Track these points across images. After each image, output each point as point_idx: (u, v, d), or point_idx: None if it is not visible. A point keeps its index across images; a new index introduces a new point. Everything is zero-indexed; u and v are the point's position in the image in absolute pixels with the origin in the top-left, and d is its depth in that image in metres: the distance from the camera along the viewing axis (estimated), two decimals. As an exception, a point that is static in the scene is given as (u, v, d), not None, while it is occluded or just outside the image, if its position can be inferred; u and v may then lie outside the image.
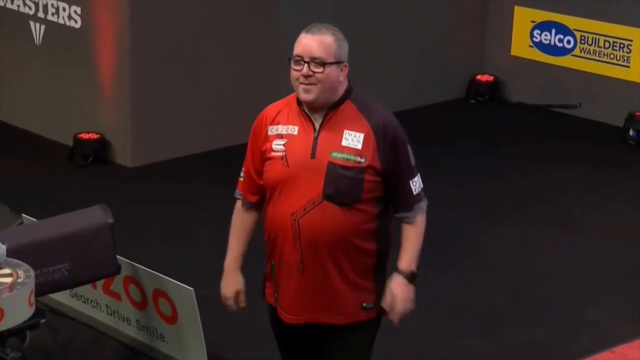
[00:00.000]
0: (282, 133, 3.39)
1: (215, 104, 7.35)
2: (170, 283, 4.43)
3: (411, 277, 3.45)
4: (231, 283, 3.64)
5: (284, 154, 3.37)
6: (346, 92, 3.39)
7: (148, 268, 4.50)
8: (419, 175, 3.46)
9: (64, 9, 7.18)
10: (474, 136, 7.83)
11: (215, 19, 7.24)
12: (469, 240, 6.02)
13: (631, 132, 7.65)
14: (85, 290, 4.72)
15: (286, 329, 3.54)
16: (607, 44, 7.94)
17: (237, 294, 3.62)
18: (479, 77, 8.55)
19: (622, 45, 7.85)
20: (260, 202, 3.55)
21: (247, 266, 3.71)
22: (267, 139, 3.42)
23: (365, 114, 3.37)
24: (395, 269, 3.46)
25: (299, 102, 3.40)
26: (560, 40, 8.22)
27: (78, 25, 7.14)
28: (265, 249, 3.54)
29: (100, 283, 4.61)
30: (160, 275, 4.46)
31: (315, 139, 3.35)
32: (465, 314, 5.24)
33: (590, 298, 5.42)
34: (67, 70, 7.29)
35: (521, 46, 8.45)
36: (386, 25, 7.90)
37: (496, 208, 6.52)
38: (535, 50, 8.38)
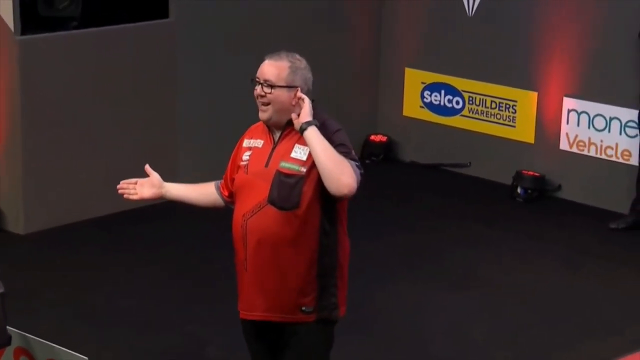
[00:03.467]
0: (251, 146, 3.86)
1: (109, 170, 7.31)
2: (64, 352, 4.36)
3: (307, 123, 3.70)
4: (152, 177, 4.08)
5: (247, 163, 3.82)
6: None
7: (40, 338, 4.43)
8: (355, 163, 3.72)
9: (-48, 75, 7.09)
10: (367, 196, 7.95)
11: (110, 85, 7.25)
12: (362, 299, 6.09)
13: (519, 190, 7.90)
14: (-26, 363, 4.60)
15: (246, 327, 3.90)
16: (493, 105, 8.23)
17: (143, 181, 4.07)
18: (372, 137, 8.74)
19: (507, 106, 8.15)
20: (223, 197, 4.01)
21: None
22: (241, 150, 3.90)
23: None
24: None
25: None
26: (450, 101, 8.48)
27: (-33, 91, 7.05)
28: None
29: (-10, 355, 4.51)
30: (54, 345, 4.40)
31: (272, 150, 3.79)
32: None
33: (484, 356, 5.53)
34: (-45, 137, 7.18)
35: (412, 107, 8.68)
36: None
37: (389, 266, 6.63)
38: (426, 110, 8.62)
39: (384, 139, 8.73)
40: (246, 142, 3.89)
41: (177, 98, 7.60)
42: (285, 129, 3.78)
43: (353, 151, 3.77)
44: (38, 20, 6.94)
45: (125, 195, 4.12)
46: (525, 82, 8.02)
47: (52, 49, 6.96)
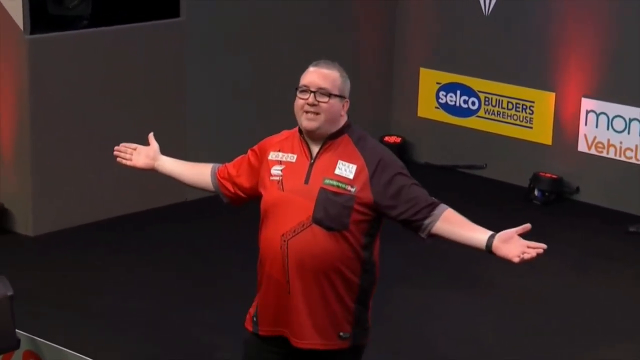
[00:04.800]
0: (282, 160, 3.70)
1: (120, 170, 7.35)
2: (73, 356, 4.42)
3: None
4: (150, 148, 4.02)
5: (281, 178, 3.66)
6: (345, 126, 3.70)
7: (49, 341, 4.49)
8: (423, 190, 3.71)
9: (-39, 75, 7.17)
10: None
11: (120, 85, 7.31)
12: (373, 304, 6.13)
13: (536, 192, 7.92)
14: (-17, 366, 4.67)
15: (263, 347, 3.74)
16: (510, 105, 8.26)
17: (141, 148, 4.02)
18: (386, 138, 8.77)
19: (524, 107, 8.18)
20: (225, 193, 3.89)
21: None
22: (268, 163, 3.73)
23: (360, 148, 3.67)
24: (486, 238, 3.65)
25: (300, 131, 3.71)
26: (465, 102, 8.51)
27: (-24, 91, 7.12)
28: (257, 274, 3.77)
29: (-2, 358, 4.57)
30: (63, 348, 4.46)
31: (311, 165, 3.65)
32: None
33: (494, 359, 5.57)
34: (-36, 137, 7.25)
35: (427, 107, 8.72)
36: (291, 88, 8.07)
37: (400, 270, 6.65)
38: (441, 111, 8.65)
39: (398, 140, 8.77)
40: (273, 155, 3.72)
41: (187, 98, 7.65)
42: (325, 143, 3.66)
43: (417, 183, 3.69)
44: (48, 19, 7.00)
45: (118, 159, 4.08)
46: (542, 83, 8.04)
47: (62, 48, 7.02)
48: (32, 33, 6.87)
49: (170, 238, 7.12)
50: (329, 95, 3.64)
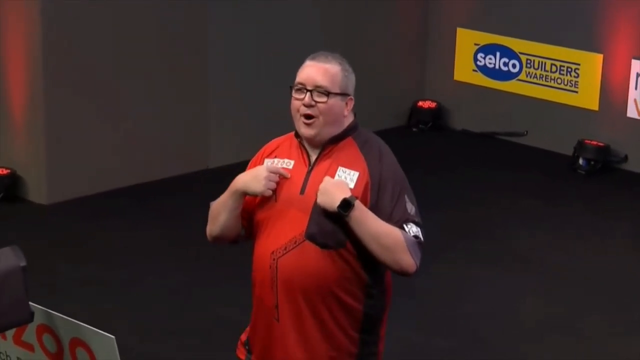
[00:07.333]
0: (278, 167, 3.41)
1: (136, 138, 7.40)
2: (90, 331, 4.43)
3: (345, 202, 3.27)
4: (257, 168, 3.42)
5: (275, 188, 3.38)
6: (349, 127, 3.41)
7: (64, 315, 4.53)
8: (418, 227, 3.37)
9: (-30, 34, 7.20)
10: (415, 166, 7.93)
11: (137, 45, 7.31)
12: (406, 279, 6.12)
13: (581, 161, 7.89)
14: (-6, 340, 4.71)
15: None
16: (554, 68, 8.20)
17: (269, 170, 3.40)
18: (420, 103, 8.75)
19: (569, 70, 8.12)
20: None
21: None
22: None
23: (364, 152, 3.38)
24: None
25: (297, 134, 3.42)
26: (506, 64, 8.46)
27: (-14, 51, 7.16)
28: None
29: (10, 332, 4.60)
30: (78, 322, 4.48)
31: (308, 173, 3.37)
32: (406, 357, 5.35)
33: (535, 338, 5.57)
34: (-26, 100, 7.30)
35: (464, 70, 8.68)
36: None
37: (436, 243, 6.63)
38: (480, 74, 8.61)
39: (433, 105, 8.74)
40: (268, 162, 3.43)
41: (208, 67, 7.63)
42: (325, 148, 3.37)
43: (414, 207, 3.38)
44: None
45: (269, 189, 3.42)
46: (589, 43, 7.97)
47: (76, 4, 7.02)
48: (44, -11, 6.89)
49: (192, 208, 7.13)
50: (328, 94, 3.32)
